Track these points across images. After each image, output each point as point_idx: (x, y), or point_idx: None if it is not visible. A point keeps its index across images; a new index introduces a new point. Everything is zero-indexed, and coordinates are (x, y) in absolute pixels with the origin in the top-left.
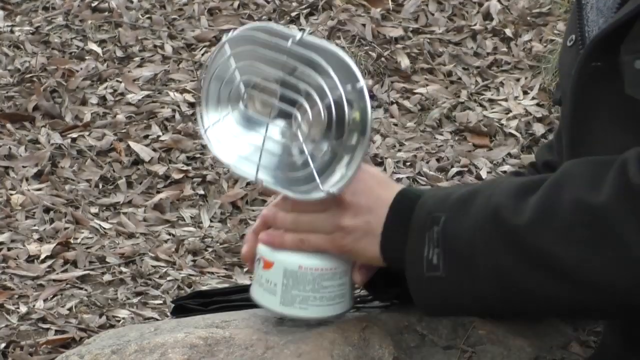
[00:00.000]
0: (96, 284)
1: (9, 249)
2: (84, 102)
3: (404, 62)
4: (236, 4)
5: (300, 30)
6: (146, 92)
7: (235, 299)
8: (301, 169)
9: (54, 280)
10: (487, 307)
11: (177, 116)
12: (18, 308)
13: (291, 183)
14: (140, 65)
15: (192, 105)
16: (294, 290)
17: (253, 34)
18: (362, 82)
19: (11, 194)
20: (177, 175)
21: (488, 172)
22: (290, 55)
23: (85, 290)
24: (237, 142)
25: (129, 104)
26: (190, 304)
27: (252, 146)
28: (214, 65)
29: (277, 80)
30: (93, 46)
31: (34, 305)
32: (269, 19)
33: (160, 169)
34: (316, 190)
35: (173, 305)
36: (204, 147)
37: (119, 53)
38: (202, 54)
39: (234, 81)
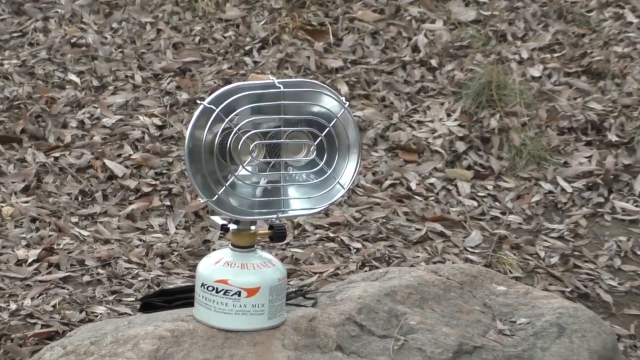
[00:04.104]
0: (77, 284)
1: (0, 254)
2: (64, 126)
3: (344, 89)
4: (197, 39)
5: (270, 78)
6: (119, 117)
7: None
8: (319, 179)
9: (40, 281)
10: None
11: (147, 137)
12: (9, 305)
13: (315, 199)
14: (113, 93)
15: (159, 127)
16: (277, 302)
17: (235, 96)
18: (347, 103)
19: (2, 206)
20: (146, 189)
21: (417, 184)
22: (285, 97)
23: (67, 289)
24: (253, 193)
25: (104, 127)
26: (155, 301)
27: (260, 189)
28: (203, 135)
29: (277, 122)
30: (72, 77)
31: (22, 303)
32: (226, 52)
33: (132, 183)
34: (337, 191)
35: (140, 302)
36: (169, 164)
37: (95, 82)
38: (168, 83)
39: (239, 140)
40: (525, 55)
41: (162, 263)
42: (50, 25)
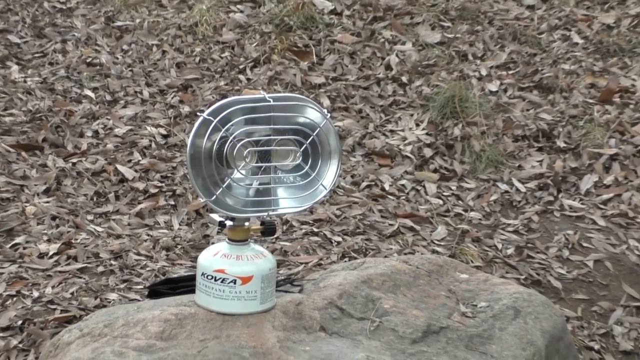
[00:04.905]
0: (92, 274)
1: (24, 248)
2: (81, 135)
3: (326, 103)
4: (197, 59)
5: (261, 93)
6: (129, 127)
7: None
8: (304, 181)
9: (60, 272)
10: None
11: (153, 145)
12: (32, 293)
13: (301, 198)
14: (124, 107)
15: (164, 136)
16: (268, 288)
17: (231, 108)
18: (328, 114)
19: (26, 206)
20: (153, 190)
21: (390, 185)
22: (274, 109)
23: (84, 279)
24: (247, 193)
25: (116, 136)
26: (161, 289)
27: (253, 190)
28: (203, 141)
29: (267, 131)
30: (88, 92)
31: (44, 291)
32: (223, 71)
33: (141, 186)
34: (320, 191)
35: (148, 290)
36: (174, 168)
37: (108, 97)
38: (172, 97)
39: (234, 147)
40: (484, 72)
41: (167, 255)
42: (68, 47)
